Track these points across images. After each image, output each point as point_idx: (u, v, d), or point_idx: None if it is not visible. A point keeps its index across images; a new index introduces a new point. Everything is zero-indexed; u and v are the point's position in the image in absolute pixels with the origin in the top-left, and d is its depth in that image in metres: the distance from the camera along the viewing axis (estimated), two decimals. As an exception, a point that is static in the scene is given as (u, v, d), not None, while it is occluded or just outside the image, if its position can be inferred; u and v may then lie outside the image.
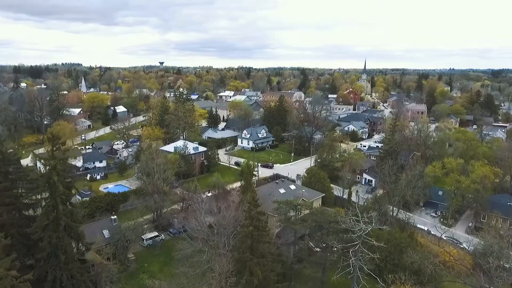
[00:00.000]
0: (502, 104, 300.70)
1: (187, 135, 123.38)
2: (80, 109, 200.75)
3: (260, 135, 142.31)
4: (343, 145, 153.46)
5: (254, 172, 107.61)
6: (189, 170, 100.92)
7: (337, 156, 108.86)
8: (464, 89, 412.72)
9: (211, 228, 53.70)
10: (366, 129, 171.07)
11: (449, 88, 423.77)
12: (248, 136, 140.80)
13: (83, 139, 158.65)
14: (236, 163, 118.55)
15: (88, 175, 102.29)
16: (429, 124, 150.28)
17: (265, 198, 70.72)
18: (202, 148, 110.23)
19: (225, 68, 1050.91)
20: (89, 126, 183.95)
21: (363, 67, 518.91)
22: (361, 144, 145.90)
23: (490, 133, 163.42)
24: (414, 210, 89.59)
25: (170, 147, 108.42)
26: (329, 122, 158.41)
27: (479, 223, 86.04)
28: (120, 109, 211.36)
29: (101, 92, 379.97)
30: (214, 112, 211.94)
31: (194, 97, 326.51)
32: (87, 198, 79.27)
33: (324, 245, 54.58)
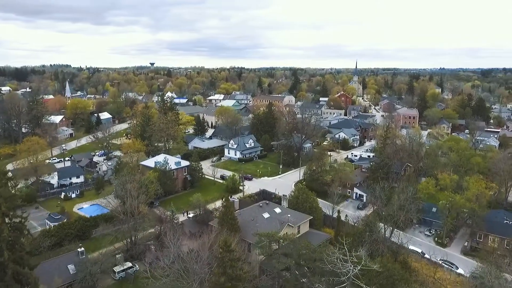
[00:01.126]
0: (493, 106, 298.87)
1: (170, 148, 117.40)
2: (62, 116, 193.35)
3: (247, 145, 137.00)
4: (334, 154, 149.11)
5: (240, 187, 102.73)
6: (170, 187, 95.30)
7: (327, 168, 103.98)
8: (455, 91, 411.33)
9: (184, 262, 48.20)
10: (358, 137, 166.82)
11: (440, 89, 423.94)
12: (235, 146, 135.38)
13: (64, 150, 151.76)
14: (222, 177, 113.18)
15: (63, 194, 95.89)
16: (421, 132, 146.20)
17: (248, 224, 65.65)
18: (184, 163, 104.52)
19: (216, 68, 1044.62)
20: (70, 134, 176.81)
21: (354, 67, 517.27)
22: (352, 153, 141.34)
23: (483, 139, 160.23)
24: (407, 228, 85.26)
25: (150, 162, 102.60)
26: (319, 129, 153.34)
27: (475, 243, 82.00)
28: (105, 115, 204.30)
29: (88, 96, 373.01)
30: (202, 119, 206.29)
31: (183, 101, 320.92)
32: (57, 224, 73.17)
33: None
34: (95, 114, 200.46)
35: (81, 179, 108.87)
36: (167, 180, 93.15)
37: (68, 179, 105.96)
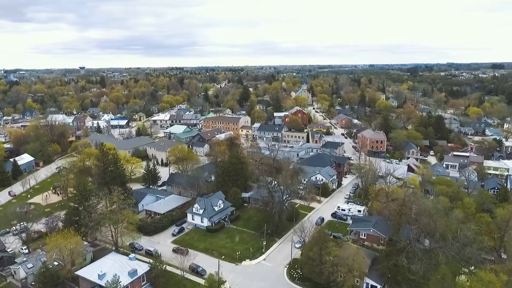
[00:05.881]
0: (439, 113, 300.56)
1: (120, 234, 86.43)
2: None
3: (216, 208, 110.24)
4: (316, 205, 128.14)
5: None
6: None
7: (329, 256, 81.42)
8: (399, 97, 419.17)
9: None
10: (335, 176, 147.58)
11: (384, 96, 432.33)
12: (201, 211, 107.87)
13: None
14: (193, 270, 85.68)
15: None
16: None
17: None
18: (142, 268, 75.25)
19: (154, 71, 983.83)
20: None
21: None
22: (338, 207, 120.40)
23: (453, 165, 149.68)
24: None
25: (92, 272, 72.05)
26: (300, 178, 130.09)
27: None
28: (24, 159, 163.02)
29: (4, 118, 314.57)
30: (151, 157, 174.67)
31: (122, 122, 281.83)
32: None
33: None
34: (11, 159, 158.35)
35: (-14, 297, 74.84)
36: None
37: (-36, 305, 71.43)
